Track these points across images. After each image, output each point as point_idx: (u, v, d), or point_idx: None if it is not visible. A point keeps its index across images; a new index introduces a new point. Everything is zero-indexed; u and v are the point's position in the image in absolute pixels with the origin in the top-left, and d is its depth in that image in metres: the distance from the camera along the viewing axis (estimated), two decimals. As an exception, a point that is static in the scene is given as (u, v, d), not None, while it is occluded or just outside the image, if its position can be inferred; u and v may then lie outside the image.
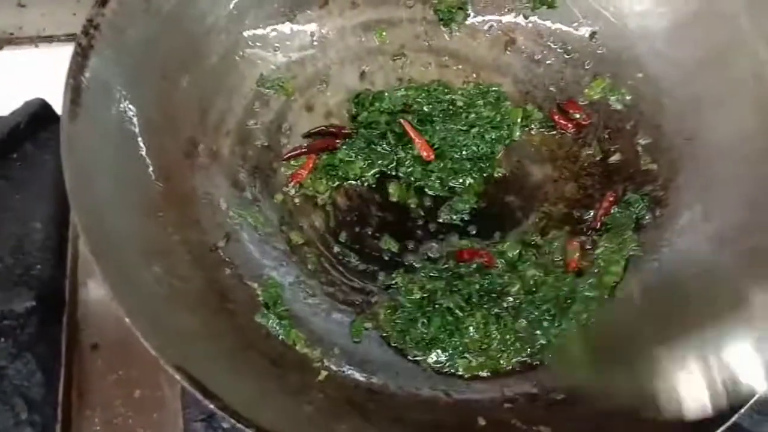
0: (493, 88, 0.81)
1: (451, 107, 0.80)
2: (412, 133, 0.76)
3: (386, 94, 0.79)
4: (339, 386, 0.59)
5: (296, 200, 0.74)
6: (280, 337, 0.62)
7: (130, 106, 0.62)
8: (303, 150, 0.75)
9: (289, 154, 0.75)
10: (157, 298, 0.54)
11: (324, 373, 0.60)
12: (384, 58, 0.83)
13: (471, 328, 0.64)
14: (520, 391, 0.62)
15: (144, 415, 0.68)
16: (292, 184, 0.74)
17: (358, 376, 0.62)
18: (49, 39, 0.98)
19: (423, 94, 0.80)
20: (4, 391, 0.63)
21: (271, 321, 0.62)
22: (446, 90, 0.81)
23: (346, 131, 0.77)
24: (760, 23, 0.69)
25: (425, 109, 0.79)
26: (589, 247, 0.73)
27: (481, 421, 0.59)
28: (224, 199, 0.69)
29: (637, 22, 0.78)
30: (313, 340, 0.63)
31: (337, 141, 0.76)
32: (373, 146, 0.76)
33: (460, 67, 0.84)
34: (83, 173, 0.53)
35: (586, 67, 0.82)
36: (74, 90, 0.56)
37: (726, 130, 0.71)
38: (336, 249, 0.72)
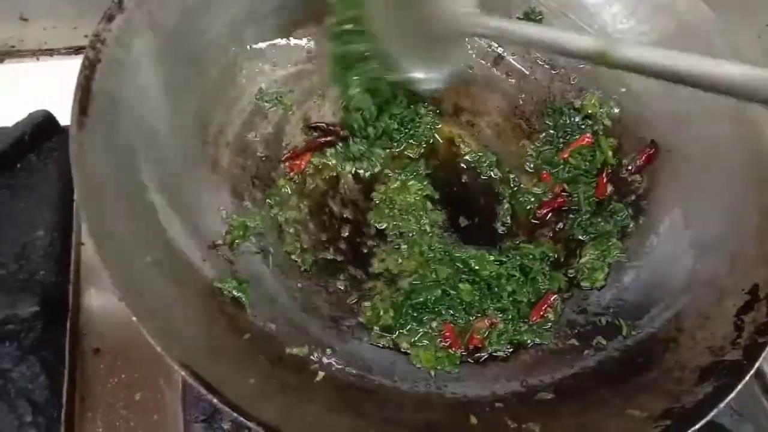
0: None
1: None
2: None
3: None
4: (336, 387, 0.62)
5: (293, 208, 0.76)
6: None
7: (134, 118, 0.64)
8: (300, 151, 0.79)
9: (288, 156, 0.78)
10: (162, 301, 0.56)
11: (321, 374, 0.62)
12: (379, 73, 0.87)
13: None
14: (509, 390, 0.65)
15: (145, 417, 0.70)
16: (292, 173, 0.77)
17: (354, 376, 0.64)
18: (50, 52, 1.01)
19: None
20: (9, 394, 0.65)
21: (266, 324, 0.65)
22: None
23: (343, 134, 0.81)
24: (732, 43, 0.73)
25: None
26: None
27: (473, 420, 0.61)
28: (224, 207, 0.71)
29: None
30: (310, 341, 0.65)
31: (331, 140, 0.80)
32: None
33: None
34: (91, 182, 0.56)
35: (572, 82, 0.85)
36: (81, 101, 0.58)
37: (703, 143, 0.75)
38: (332, 256, 0.74)
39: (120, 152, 0.62)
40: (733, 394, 0.54)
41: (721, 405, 0.54)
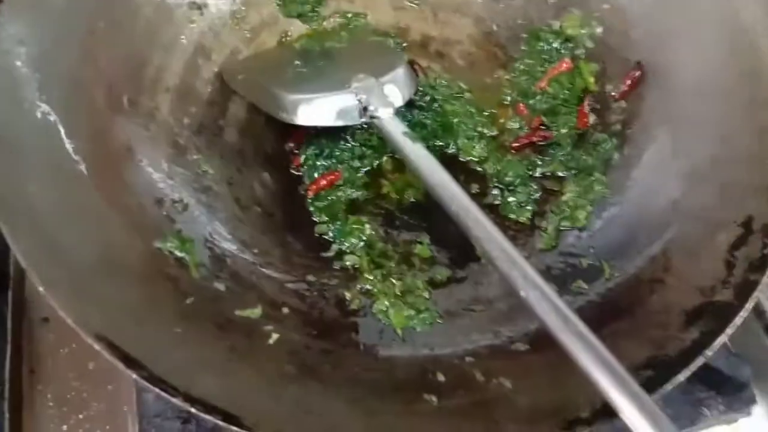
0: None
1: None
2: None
3: None
4: (290, 349, 0.57)
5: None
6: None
7: (56, 67, 0.58)
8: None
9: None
10: (85, 266, 0.50)
11: (275, 335, 0.57)
12: (336, 2, 0.79)
13: None
14: (481, 343, 0.60)
15: (98, 388, 0.66)
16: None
17: (312, 337, 0.59)
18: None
19: None
20: (-52, 371, 0.61)
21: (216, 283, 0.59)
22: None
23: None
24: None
25: None
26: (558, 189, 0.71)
27: (441, 377, 0.56)
28: (165, 160, 0.65)
29: (603, -52, 0.73)
30: (264, 300, 0.60)
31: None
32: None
33: (417, 7, 0.79)
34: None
35: (549, 2, 0.77)
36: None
37: (694, 63, 0.67)
38: (290, 209, 0.68)
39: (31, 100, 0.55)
40: (721, 340, 0.49)
41: (708, 352, 0.48)
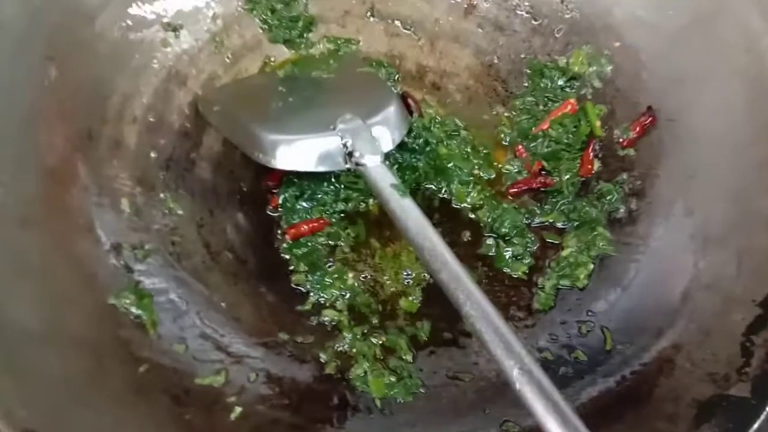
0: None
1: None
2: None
3: None
4: (255, 425, 0.51)
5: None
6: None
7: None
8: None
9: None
10: (19, 332, 0.44)
11: (238, 409, 0.51)
12: (326, 27, 0.73)
13: None
14: (468, 422, 0.54)
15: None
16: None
17: (281, 409, 0.53)
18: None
19: None
20: None
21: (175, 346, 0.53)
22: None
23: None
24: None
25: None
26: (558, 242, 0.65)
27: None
28: (127, 199, 0.59)
29: (615, -18, 0.67)
30: (229, 366, 0.54)
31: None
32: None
33: (413, 34, 0.73)
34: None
35: (556, 35, 0.71)
36: None
37: (713, 109, 0.62)
38: (264, 255, 0.63)
39: None
40: (738, 448, 0.43)
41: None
